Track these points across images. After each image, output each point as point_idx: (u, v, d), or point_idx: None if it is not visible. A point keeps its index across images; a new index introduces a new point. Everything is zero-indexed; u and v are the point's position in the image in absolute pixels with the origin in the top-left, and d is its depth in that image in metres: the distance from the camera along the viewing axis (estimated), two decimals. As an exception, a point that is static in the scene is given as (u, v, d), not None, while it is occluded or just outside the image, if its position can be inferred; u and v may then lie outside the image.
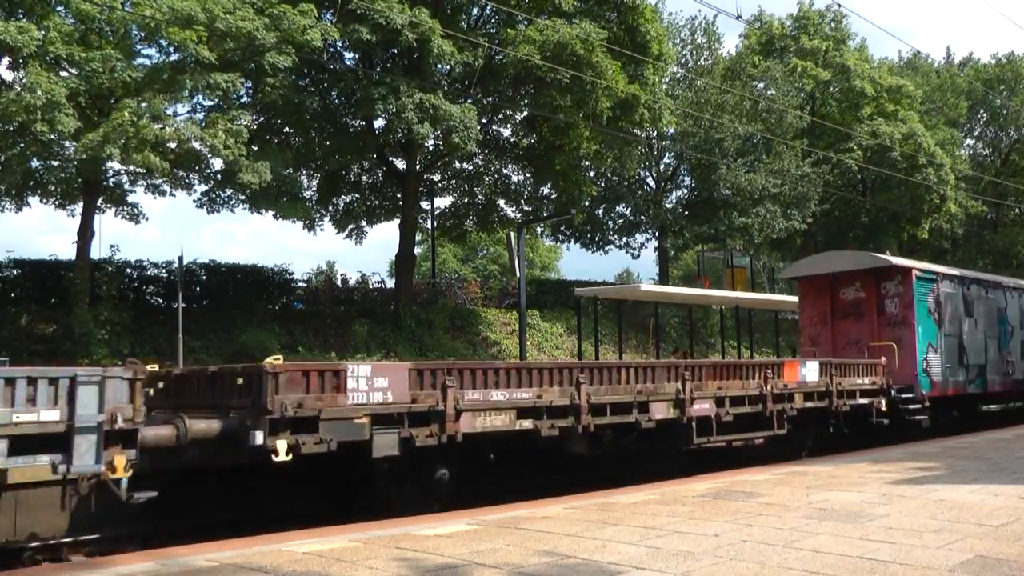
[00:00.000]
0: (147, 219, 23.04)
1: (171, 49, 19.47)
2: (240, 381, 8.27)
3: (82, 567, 6.40)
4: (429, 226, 33.70)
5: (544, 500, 9.63)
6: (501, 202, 31.78)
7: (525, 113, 27.96)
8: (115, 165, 20.80)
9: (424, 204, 32.27)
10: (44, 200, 21.55)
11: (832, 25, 45.95)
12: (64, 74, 18.22)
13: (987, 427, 18.69)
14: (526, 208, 31.83)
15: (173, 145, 18.93)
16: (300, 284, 29.16)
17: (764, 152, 36.18)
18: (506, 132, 30.81)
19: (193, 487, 9.12)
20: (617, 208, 37.03)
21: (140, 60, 20.08)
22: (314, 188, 28.80)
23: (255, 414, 7.88)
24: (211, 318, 24.50)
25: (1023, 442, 15.27)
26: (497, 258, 60.38)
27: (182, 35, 18.14)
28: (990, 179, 48.60)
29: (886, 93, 44.07)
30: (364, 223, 31.05)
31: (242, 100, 22.64)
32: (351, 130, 25.95)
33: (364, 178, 30.40)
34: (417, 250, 32.48)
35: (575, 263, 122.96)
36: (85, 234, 21.18)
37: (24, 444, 6.74)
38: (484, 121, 27.02)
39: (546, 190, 31.64)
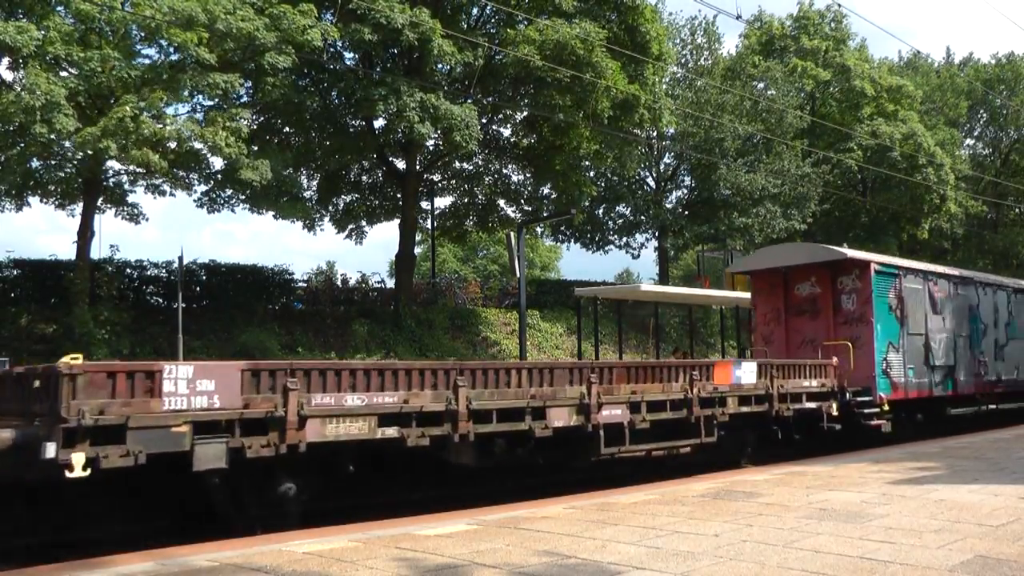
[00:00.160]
0: (147, 219, 23.08)
1: (171, 50, 19.49)
2: (37, 384, 7.32)
3: (82, 567, 6.39)
4: (429, 226, 33.72)
5: (544, 500, 9.63)
6: (501, 202, 31.81)
7: (525, 113, 27.97)
8: (115, 165, 20.82)
9: (424, 204, 32.30)
10: (44, 200, 21.57)
11: (832, 25, 45.97)
12: (64, 74, 18.22)
13: (957, 432, 17.61)
14: (526, 208, 31.85)
15: (173, 144, 18.93)
16: (300, 284, 29.18)
17: (764, 152, 36.20)
18: (506, 132, 30.86)
19: None
20: (617, 208, 37.05)
21: (140, 60, 20.09)
22: (314, 188, 28.82)
23: (49, 422, 6.89)
24: (211, 318, 24.51)
25: (1023, 442, 15.27)
26: (497, 258, 60.39)
27: (183, 36, 18.15)
28: (990, 179, 48.61)
29: (886, 93, 44.09)
30: (364, 223, 31.08)
31: (242, 100, 22.66)
32: (351, 130, 25.96)
33: (364, 178, 30.42)
34: (417, 250, 32.50)
35: (575, 263, 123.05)
36: (85, 234, 21.19)
37: None
38: (484, 121, 27.03)
39: (546, 190, 31.67)
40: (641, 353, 32.22)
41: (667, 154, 37.76)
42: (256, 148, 21.44)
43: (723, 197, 34.90)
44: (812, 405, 14.24)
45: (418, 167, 28.15)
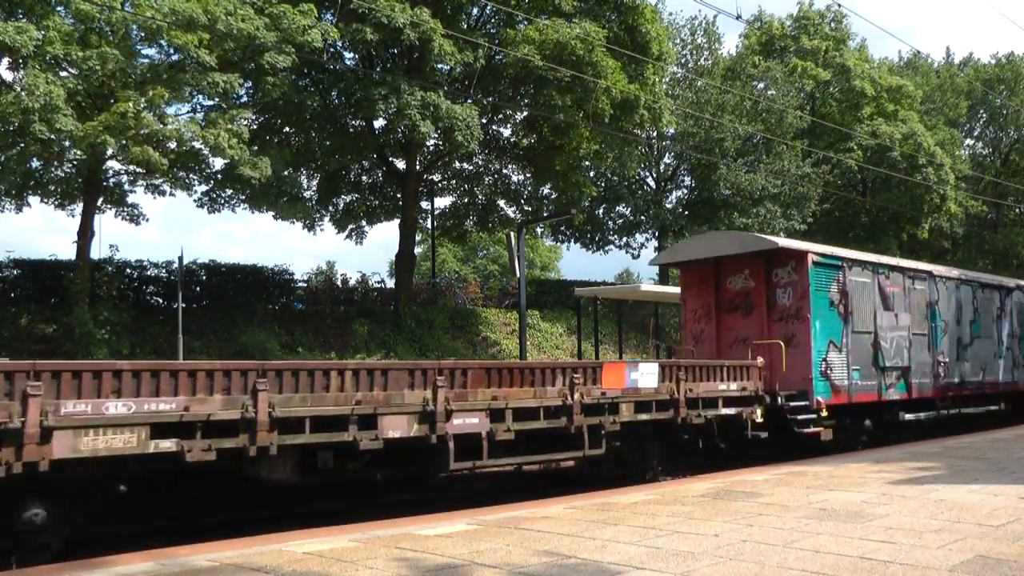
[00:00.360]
0: (147, 220, 23.07)
1: (171, 50, 19.49)
2: None
3: (82, 567, 6.40)
4: (429, 226, 33.72)
5: (544, 500, 9.64)
6: (501, 202, 31.80)
7: (525, 113, 27.98)
8: (115, 165, 20.83)
9: (424, 204, 32.29)
10: (44, 200, 21.56)
11: (832, 25, 45.98)
12: (63, 74, 18.22)
13: (912, 439, 16.53)
14: (526, 208, 31.84)
15: (173, 144, 18.94)
16: (300, 284, 29.18)
17: (764, 152, 36.20)
18: (506, 132, 30.84)
19: None
20: (617, 208, 37.05)
21: (140, 60, 20.09)
22: (314, 188, 28.81)
23: None
24: (211, 318, 24.51)
25: (1023, 442, 15.28)
26: (497, 258, 60.40)
27: (183, 39, 18.15)
28: (990, 179, 48.61)
29: (886, 93, 44.09)
30: (364, 223, 31.07)
31: (242, 100, 22.66)
32: (351, 130, 25.97)
33: (364, 178, 30.41)
34: (417, 250, 32.49)
35: (575, 263, 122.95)
36: (85, 234, 21.19)
37: None
38: (484, 121, 27.03)
39: (546, 190, 31.67)
40: (641, 353, 32.24)
41: (667, 154, 37.77)
42: (256, 148, 21.44)
43: (723, 197, 34.89)
44: (730, 411, 12.96)
45: (418, 167, 28.15)
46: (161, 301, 25.02)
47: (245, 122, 20.95)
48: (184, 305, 21.85)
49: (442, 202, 39.47)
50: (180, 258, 22.31)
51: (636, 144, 31.06)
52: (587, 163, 30.92)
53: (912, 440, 16.22)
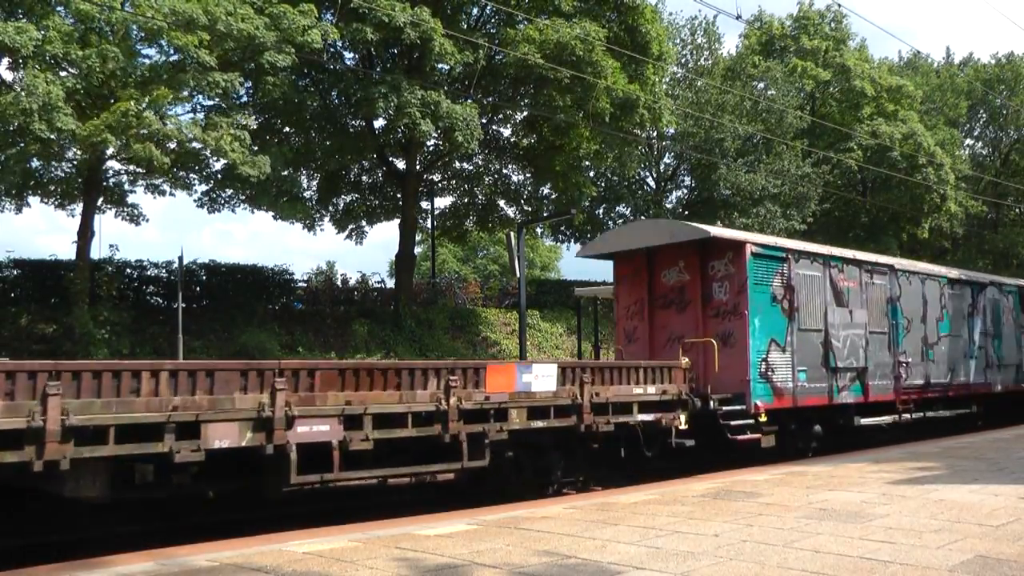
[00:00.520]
0: (147, 220, 23.08)
1: (171, 51, 19.50)
2: None
3: (82, 567, 6.40)
4: (429, 226, 33.73)
5: (544, 500, 9.65)
6: (501, 202, 31.83)
7: (525, 113, 27.99)
8: (115, 165, 20.83)
9: (424, 204, 32.31)
10: (44, 200, 21.57)
11: (832, 25, 45.98)
12: (63, 74, 18.23)
13: (873, 445, 15.40)
14: (526, 208, 31.86)
15: (173, 144, 18.94)
16: (300, 284, 29.20)
17: (764, 152, 36.20)
18: (506, 132, 30.87)
19: None
20: (617, 208, 37.07)
21: (141, 60, 20.11)
22: (314, 188, 28.83)
23: None
24: (211, 318, 24.51)
25: (1023, 442, 15.28)
26: (497, 258, 60.41)
27: (184, 40, 18.16)
28: (990, 179, 48.62)
29: (886, 93, 44.09)
30: (364, 223, 31.08)
31: (242, 100, 22.66)
32: (351, 130, 25.98)
33: (364, 178, 30.43)
34: (417, 250, 32.51)
35: (575, 263, 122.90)
36: (85, 234, 21.20)
37: None
38: (484, 121, 27.04)
39: (546, 190, 31.69)
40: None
41: (667, 154, 37.77)
42: (256, 148, 21.46)
43: (723, 197, 34.90)
44: (647, 417, 11.77)
45: (418, 167, 28.16)
46: (161, 301, 25.03)
47: (245, 122, 20.95)
48: (184, 305, 21.86)
49: (442, 202, 39.49)
50: (180, 258, 22.34)
51: (636, 144, 31.06)
52: (587, 163, 30.93)
53: (873, 446, 15.18)
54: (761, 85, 39.27)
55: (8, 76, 19.45)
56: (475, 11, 27.89)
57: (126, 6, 19.47)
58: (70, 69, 18.44)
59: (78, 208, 21.68)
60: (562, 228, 37.45)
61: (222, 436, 7.91)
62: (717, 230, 14.39)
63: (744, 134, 35.18)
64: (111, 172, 21.48)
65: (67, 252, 26.80)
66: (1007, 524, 7.33)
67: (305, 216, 25.21)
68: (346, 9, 21.85)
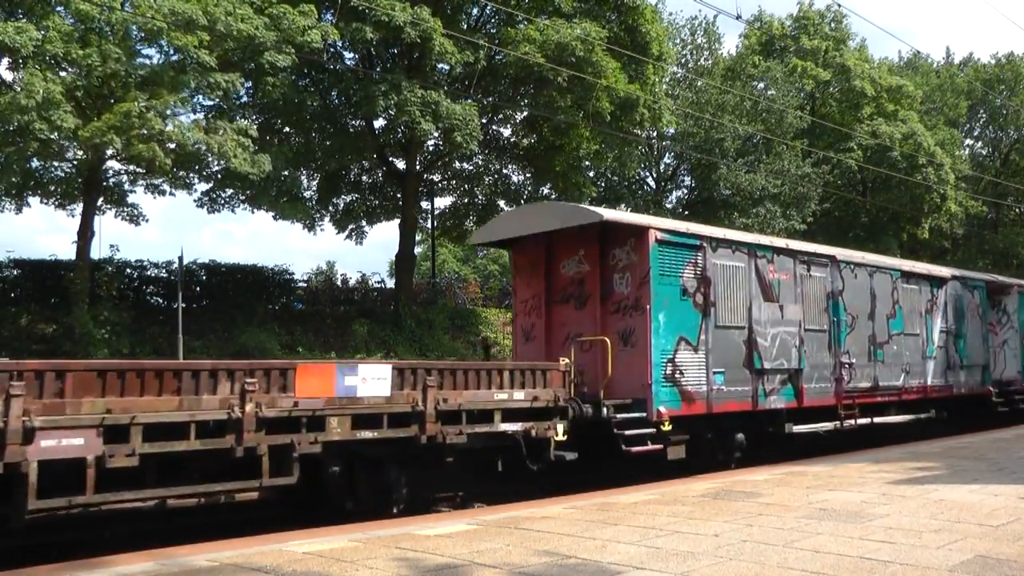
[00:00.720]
0: (147, 220, 23.13)
1: (171, 51, 19.51)
2: None
3: (82, 567, 6.39)
4: (429, 226, 33.75)
5: (544, 500, 9.63)
6: (501, 202, 31.84)
7: (525, 113, 28.01)
8: (115, 165, 20.84)
9: (424, 204, 32.33)
10: (44, 200, 21.60)
11: (832, 25, 45.99)
12: (63, 74, 18.24)
13: (806, 454, 13.95)
14: (526, 208, 31.87)
15: (172, 145, 18.96)
16: (300, 284, 29.22)
17: (764, 152, 36.22)
18: (506, 132, 30.90)
19: None
20: (617, 208, 37.08)
21: (141, 60, 20.13)
22: (314, 188, 28.86)
23: None
24: (211, 318, 24.52)
25: (1023, 442, 15.28)
26: (497, 258, 60.43)
27: (183, 40, 18.17)
28: (990, 179, 48.64)
29: (886, 93, 44.11)
30: (364, 223, 31.11)
31: (242, 100, 22.69)
32: (351, 130, 26.01)
33: (364, 178, 30.45)
34: (417, 250, 32.52)
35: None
36: (85, 234, 21.21)
37: None
38: (484, 121, 27.06)
39: (546, 190, 31.70)
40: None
41: (667, 154, 37.78)
42: (256, 148, 21.49)
43: (723, 197, 34.91)
44: (513, 427, 10.30)
45: (418, 167, 28.18)
46: (161, 301, 25.04)
47: (245, 124, 20.97)
48: (184, 305, 21.87)
49: (442, 202, 39.49)
50: (180, 258, 22.37)
51: (636, 144, 31.07)
52: (587, 163, 30.94)
53: (807, 456, 13.78)
54: (761, 85, 39.29)
55: (8, 76, 19.48)
56: (475, 11, 27.91)
57: (126, 6, 19.48)
58: (70, 69, 18.45)
59: (78, 208, 21.71)
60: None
61: None
62: (614, 213, 12.70)
63: (744, 134, 35.19)
64: (111, 172, 21.51)
65: (67, 252, 26.85)
66: (1007, 524, 7.33)
67: (305, 216, 25.23)
68: (346, 9, 21.86)
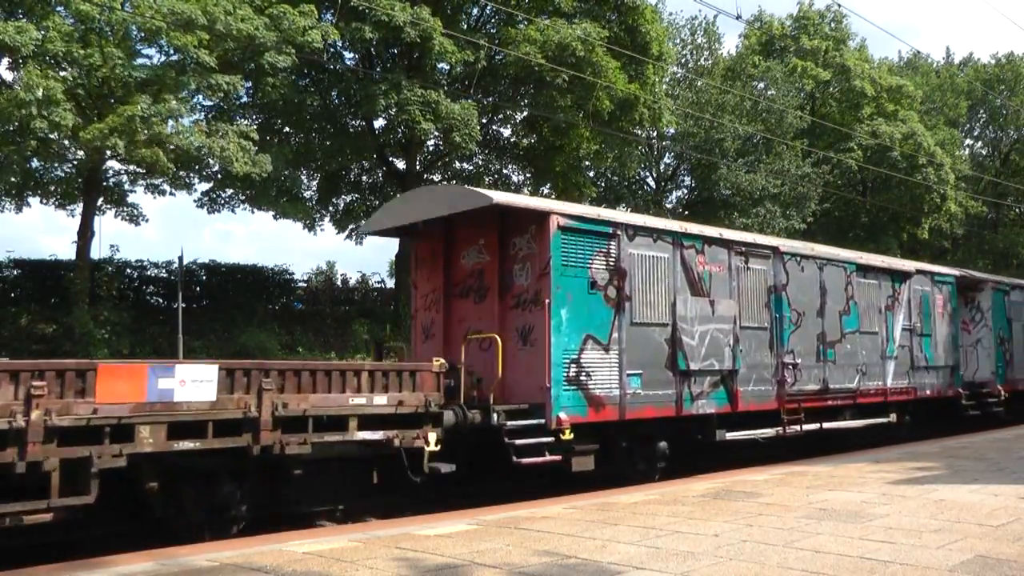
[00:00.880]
0: (147, 220, 23.15)
1: (171, 50, 19.52)
2: None
3: (82, 567, 6.40)
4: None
5: (544, 500, 9.62)
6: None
7: (525, 113, 28.02)
8: (115, 165, 20.85)
9: (424, 204, 32.25)
10: (44, 200, 21.61)
11: (832, 25, 46.02)
12: (63, 74, 18.25)
13: (741, 463, 12.84)
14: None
15: (174, 147, 18.97)
16: (300, 284, 29.24)
17: (764, 152, 36.23)
18: (506, 132, 30.92)
19: None
20: (617, 208, 37.09)
21: (140, 60, 20.14)
22: (314, 188, 28.87)
23: None
24: (211, 318, 24.53)
25: (1023, 442, 15.27)
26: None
27: (183, 40, 18.17)
28: (990, 179, 48.65)
29: (886, 93, 44.13)
30: (364, 223, 31.11)
31: (242, 100, 22.70)
32: (351, 130, 26.02)
33: (364, 178, 30.47)
34: (417, 250, 32.48)
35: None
36: (85, 234, 21.23)
37: None
38: (484, 121, 27.07)
39: (546, 190, 31.71)
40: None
41: (667, 154, 37.80)
42: (256, 148, 21.51)
43: (723, 197, 34.93)
44: (373, 436, 9.10)
45: (418, 167, 28.19)
46: (161, 301, 25.06)
47: (245, 123, 20.98)
48: (184, 305, 21.88)
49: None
50: (180, 258, 22.39)
51: (636, 144, 31.10)
52: (587, 163, 30.96)
53: (743, 463, 12.85)
54: (761, 85, 39.30)
55: (8, 76, 19.49)
56: (475, 11, 27.93)
57: (126, 6, 19.49)
58: (70, 69, 18.45)
59: (78, 208, 21.73)
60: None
61: None
62: (510, 196, 11.46)
63: (744, 134, 35.21)
64: (111, 172, 21.52)
65: (67, 252, 26.86)
66: (1007, 524, 7.33)
67: (305, 216, 25.25)
68: (346, 9, 21.88)
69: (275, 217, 24.02)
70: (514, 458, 9.79)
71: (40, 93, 16.57)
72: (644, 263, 11.60)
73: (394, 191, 29.75)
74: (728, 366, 12.58)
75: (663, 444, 11.82)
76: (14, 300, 22.70)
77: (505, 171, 31.53)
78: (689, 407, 11.95)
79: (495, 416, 9.99)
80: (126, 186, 22.13)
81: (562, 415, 10.25)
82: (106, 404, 7.49)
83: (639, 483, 11.01)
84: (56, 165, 20.40)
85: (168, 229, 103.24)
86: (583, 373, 10.65)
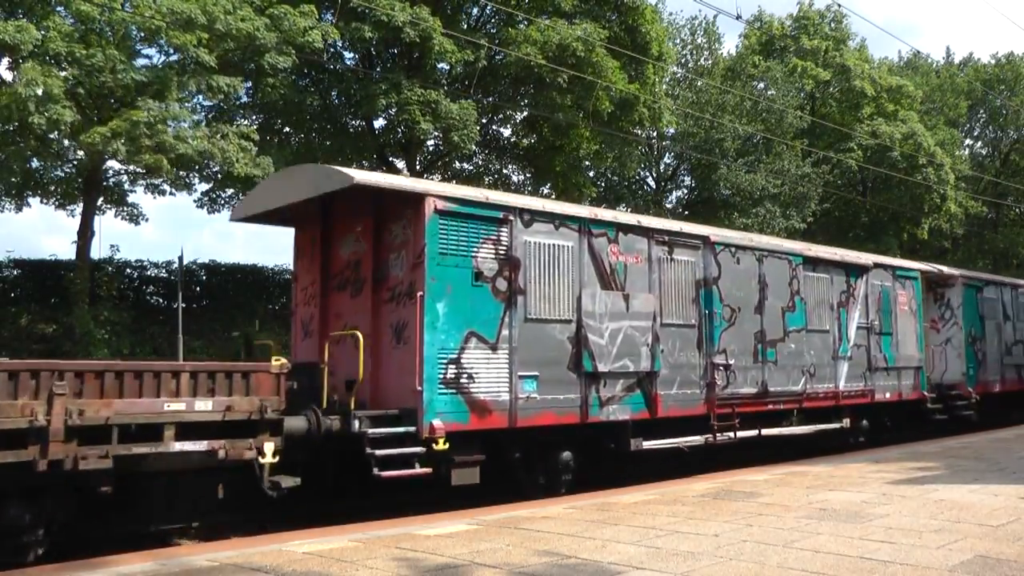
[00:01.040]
0: (147, 220, 23.15)
1: (170, 50, 19.52)
2: None
3: (82, 567, 6.40)
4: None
5: (544, 500, 9.64)
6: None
7: (525, 113, 28.02)
8: (115, 165, 20.85)
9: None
10: (44, 200, 21.61)
11: (832, 25, 45.98)
12: (63, 74, 18.24)
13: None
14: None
15: (179, 150, 18.95)
16: (300, 284, 29.16)
17: (764, 152, 36.22)
18: (506, 132, 30.91)
19: None
20: (617, 208, 37.10)
21: (140, 61, 20.14)
22: (314, 188, 28.82)
23: None
24: (211, 318, 24.53)
25: (1023, 442, 15.27)
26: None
27: (182, 38, 18.17)
28: (990, 179, 48.63)
29: (886, 93, 44.10)
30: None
31: (242, 100, 22.70)
32: (351, 130, 26.03)
33: (364, 178, 30.45)
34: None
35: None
36: (85, 234, 21.22)
37: None
38: (484, 121, 27.06)
39: (546, 190, 31.73)
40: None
41: (667, 154, 37.80)
42: (256, 149, 21.51)
43: (723, 197, 34.92)
44: (195, 447, 8.06)
45: (418, 167, 28.18)
46: (161, 301, 25.06)
47: (245, 123, 20.98)
48: (184, 305, 21.88)
49: (442, 202, 39.29)
50: (180, 258, 22.40)
51: (636, 144, 31.09)
52: (587, 163, 30.96)
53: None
54: (761, 85, 39.29)
55: (8, 76, 19.49)
56: (475, 11, 27.93)
57: (126, 6, 19.48)
58: (70, 69, 18.44)
59: (78, 208, 21.72)
60: (562, 228, 37.39)
61: None
62: (375, 176, 10.19)
63: (744, 134, 35.20)
64: (111, 172, 21.53)
65: (67, 252, 26.86)
66: (1007, 524, 7.33)
67: (305, 216, 25.20)
68: (345, 9, 21.88)
69: (275, 217, 24.01)
70: (375, 470, 8.74)
71: (40, 91, 16.55)
72: (543, 252, 10.55)
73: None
74: (645, 367, 11.50)
75: (567, 454, 10.76)
76: (14, 300, 22.70)
77: (505, 171, 31.53)
78: (597, 413, 10.83)
79: (356, 423, 8.95)
80: (126, 186, 22.14)
81: (436, 422, 9.18)
82: None
83: (543, 498, 10.03)
84: (56, 165, 20.38)
85: (168, 229, 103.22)
86: (464, 375, 9.56)
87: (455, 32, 23.40)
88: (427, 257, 9.46)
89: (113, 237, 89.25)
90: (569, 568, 5.98)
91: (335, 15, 22.29)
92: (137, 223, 22.79)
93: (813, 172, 37.06)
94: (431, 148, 28.21)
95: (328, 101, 24.82)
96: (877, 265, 16.51)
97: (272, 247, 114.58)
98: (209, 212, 23.90)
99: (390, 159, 28.69)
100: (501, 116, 29.16)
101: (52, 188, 21.01)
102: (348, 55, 26.29)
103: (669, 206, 37.66)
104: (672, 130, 34.58)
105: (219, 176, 21.52)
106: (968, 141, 54.39)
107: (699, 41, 39.32)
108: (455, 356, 9.53)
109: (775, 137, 35.06)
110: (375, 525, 8.07)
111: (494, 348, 9.88)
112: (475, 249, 9.92)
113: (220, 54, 19.18)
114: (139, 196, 39.09)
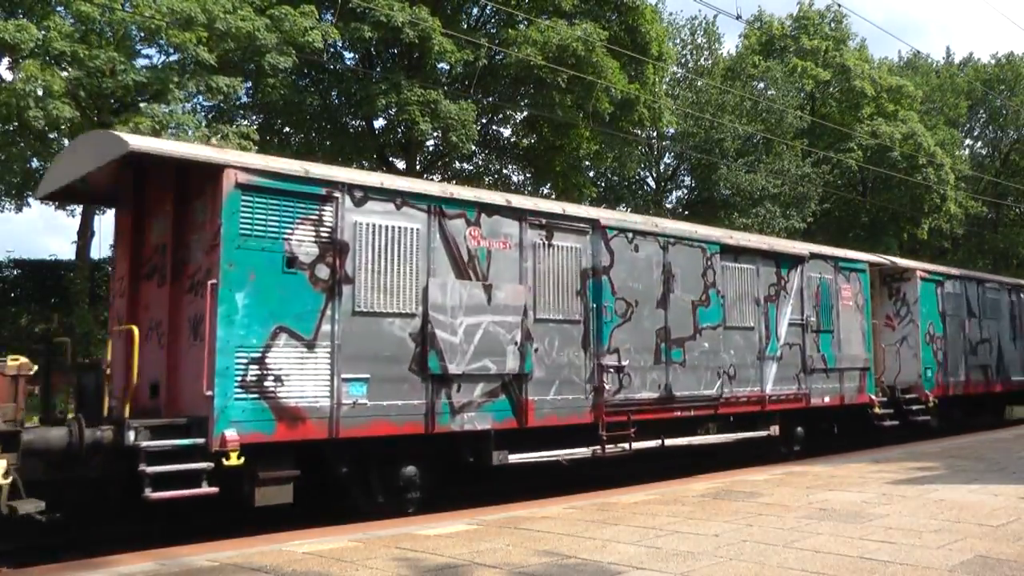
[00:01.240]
0: (147, 219, 23.10)
1: (170, 50, 19.51)
2: None
3: (82, 567, 6.40)
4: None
5: (544, 500, 9.63)
6: (502, 202, 31.83)
7: (525, 113, 28.03)
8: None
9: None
10: (44, 200, 21.56)
11: (832, 25, 45.99)
12: (64, 74, 18.24)
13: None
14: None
15: None
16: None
17: (764, 152, 36.22)
18: (506, 132, 30.92)
19: None
20: (617, 208, 37.11)
21: (141, 61, 20.13)
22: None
23: None
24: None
25: (1023, 442, 15.28)
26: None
27: (182, 37, 18.17)
28: (990, 179, 48.63)
29: (886, 93, 44.11)
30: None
31: (242, 100, 22.70)
32: (351, 130, 26.04)
33: (364, 178, 30.47)
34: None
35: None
36: (85, 234, 21.23)
37: None
38: (484, 121, 27.07)
39: (546, 190, 31.73)
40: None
41: (667, 154, 37.81)
42: (256, 149, 21.52)
43: (723, 197, 34.92)
44: None
45: (418, 167, 28.19)
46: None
47: (245, 123, 20.98)
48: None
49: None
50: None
51: (636, 144, 31.10)
52: (587, 163, 30.97)
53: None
54: (761, 85, 39.30)
55: (8, 76, 19.49)
56: (475, 11, 27.94)
57: (126, 6, 19.48)
58: (71, 69, 18.44)
59: (78, 208, 21.72)
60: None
61: None
62: (155, 142, 8.63)
63: (744, 134, 35.21)
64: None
65: (67, 252, 26.87)
66: (1007, 524, 7.33)
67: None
68: (345, 9, 21.89)
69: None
70: (147, 490, 7.38)
71: (39, 91, 16.55)
72: (379, 235, 9.13)
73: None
74: (513, 369, 10.01)
75: (411, 469, 9.39)
76: (14, 300, 22.70)
77: (505, 171, 31.54)
78: (447, 422, 9.39)
79: (131, 434, 7.61)
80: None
81: (231, 432, 7.78)
82: None
83: (388, 518, 8.73)
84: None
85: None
86: (270, 377, 8.16)
87: (455, 32, 23.41)
88: (224, 239, 8.03)
89: (113, 237, 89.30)
90: (569, 568, 5.98)
91: (335, 15, 22.30)
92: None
93: (813, 172, 37.06)
94: (431, 148, 28.21)
95: (328, 101, 24.83)
96: (814, 255, 14.88)
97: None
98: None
99: (390, 159, 28.70)
100: (501, 116, 29.17)
101: (52, 188, 20.99)
102: (348, 55, 26.31)
103: (669, 206, 37.68)
104: (672, 130, 34.58)
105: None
106: (968, 141, 54.41)
107: (699, 41, 39.36)
108: (258, 355, 8.11)
109: (775, 137, 35.06)
110: (375, 525, 8.07)
111: (310, 346, 8.47)
112: (288, 231, 8.48)
113: (220, 54, 19.18)
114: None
